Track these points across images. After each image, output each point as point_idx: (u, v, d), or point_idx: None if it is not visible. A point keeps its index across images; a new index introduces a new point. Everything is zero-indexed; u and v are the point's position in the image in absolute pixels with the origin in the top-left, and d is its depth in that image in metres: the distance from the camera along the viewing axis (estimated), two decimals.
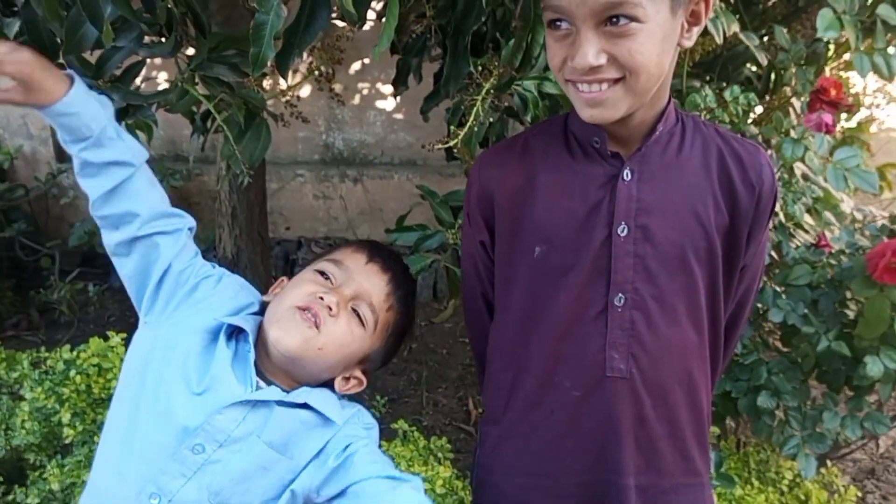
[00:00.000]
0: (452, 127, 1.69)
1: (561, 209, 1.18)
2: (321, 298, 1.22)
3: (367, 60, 4.20)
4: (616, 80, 1.05)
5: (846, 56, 2.88)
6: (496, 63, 1.71)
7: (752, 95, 1.87)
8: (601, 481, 1.23)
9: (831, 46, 2.73)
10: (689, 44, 1.11)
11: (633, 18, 1.00)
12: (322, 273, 1.29)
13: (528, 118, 1.87)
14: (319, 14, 1.29)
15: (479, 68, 1.67)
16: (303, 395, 1.22)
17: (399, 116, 4.37)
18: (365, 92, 4.34)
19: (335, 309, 1.23)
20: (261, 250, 3.33)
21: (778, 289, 1.88)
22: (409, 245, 2.41)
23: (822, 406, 1.89)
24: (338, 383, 1.29)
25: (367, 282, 1.29)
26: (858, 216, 2.34)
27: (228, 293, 1.35)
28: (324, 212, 4.48)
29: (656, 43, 1.04)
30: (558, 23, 1.05)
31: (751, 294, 1.33)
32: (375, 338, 1.30)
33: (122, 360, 1.78)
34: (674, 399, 1.22)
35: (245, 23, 1.37)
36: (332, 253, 1.36)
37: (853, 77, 2.83)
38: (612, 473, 1.22)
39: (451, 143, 1.60)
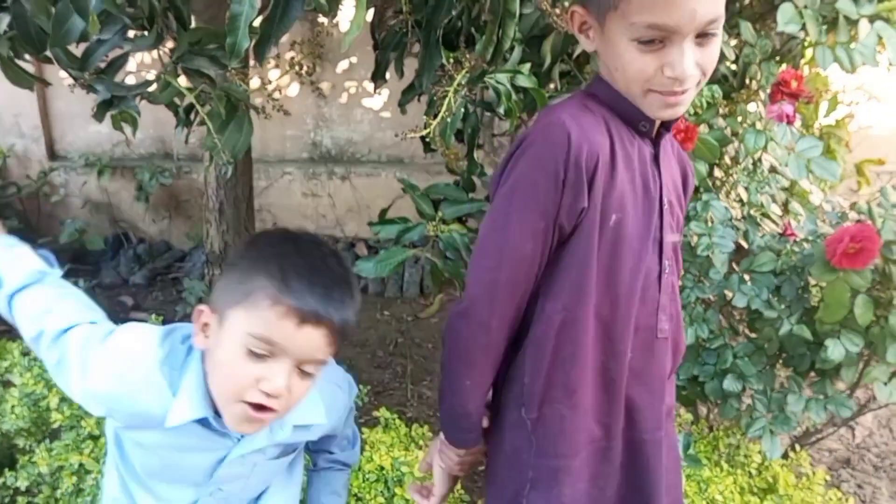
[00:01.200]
0: (427, 118, 1.75)
1: (630, 181, 1.25)
2: (265, 394, 1.10)
3: (354, 59, 4.26)
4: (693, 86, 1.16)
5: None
6: (468, 56, 1.77)
7: (715, 87, 1.93)
8: (639, 440, 1.34)
9: (807, 42, 2.81)
10: None
11: (716, 31, 1.12)
12: (260, 353, 1.10)
13: (501, 110, 1.93)
14: (293, 5, 1.35)
15: (452, 61, 1.74)
16: (284, 429, 1.26)
17: (386, 115, 4.43)
18: (352, 91, 4.40)
19: (282, 392, 1.11)
20: None
21: (744, 277, 1.94)
22: (391, 238, 2.48)
23: (788, 389, 1.96)
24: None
25: (308, 345, 1.11)
26: (827, 207, 2.41)
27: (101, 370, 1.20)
28: (312, 209, 4.54)
29: (719, 48, 1.16)
30: (652, 38, 1.11)
31: None
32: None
33: None
34: (677, 350, 1.38)
35: (220, 16, 1.43)
36: (251, 307, 1.10)
37: (835, 74, 2.90)
38: (651, 431, 1.34)
39: (424, 133, 1.67)
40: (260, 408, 1.10)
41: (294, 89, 4.12)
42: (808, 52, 2.97)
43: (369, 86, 4.38)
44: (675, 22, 1.08)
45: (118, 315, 3.65)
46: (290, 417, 1.22)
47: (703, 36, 1.11)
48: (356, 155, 4.56)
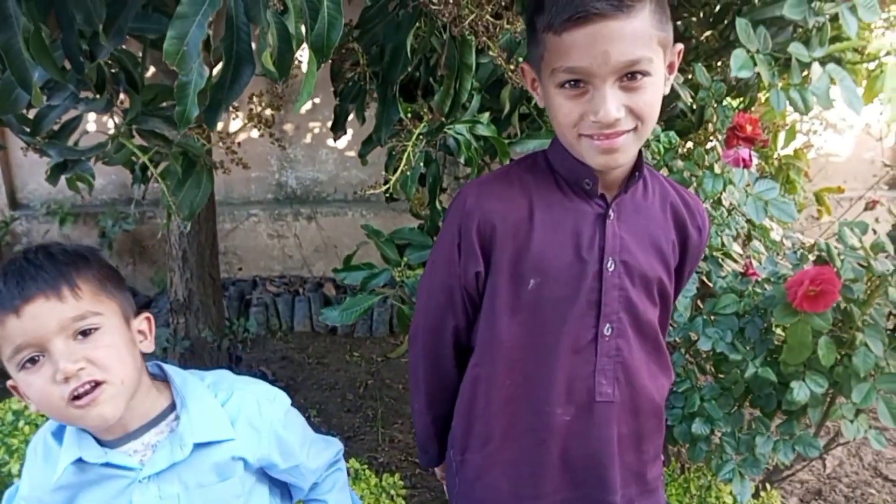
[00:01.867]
0: (387, 173, 1.75)
1: (555, 244, 1.25)
2: (66, 380, 1.09)
3: (317, 100, 4.26)
4: (628, 131, 1.15)
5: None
6: (427, 109, 1.77)
7: (672, 134, 1.95)
8: (587, 498, 1.36)
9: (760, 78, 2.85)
10: (667, 90, 1.22)
11: (645, 73, 1.10)
12: (29, 361, 1.10)
13: (462, 159, 1.93)
14: (244, 71, 1.33)
15: (410, 115, 1.73)
16: (184, 448, 1.21)
17: (351, 154, 4.43)
18: (316, 131, 4.40)
19: (76, 365, 1.10)
20: (213, 292, 3.35)
21: (709, 319, 1.94)
22: (356, 284, 2.47)
23: (756, 431, 1.96)
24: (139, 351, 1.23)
25: (39, 321, 1.09)
26: (787, 244, 2.43)
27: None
28: (278, 250, 4.51)
29: (659, 92, 1.16)
30: (574, 82, 1.12)
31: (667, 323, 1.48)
32: (102, 300, 1.17)
33: None
34: (645, 416, 1.36)
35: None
36: None
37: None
38: (600, 491, 1.35)
39: (383, 189, 1.66)
40: (78, 397, 1.10)
41: (256, 132, 4.11)
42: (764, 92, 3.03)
43: None
44: (589, 65, 1.09)
45: None
46: (187, 434, 1.21)
47: (629, 79, 1.10)
48: (322, 195, 4.55)
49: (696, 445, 1.97)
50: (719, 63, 2.84)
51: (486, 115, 1.99)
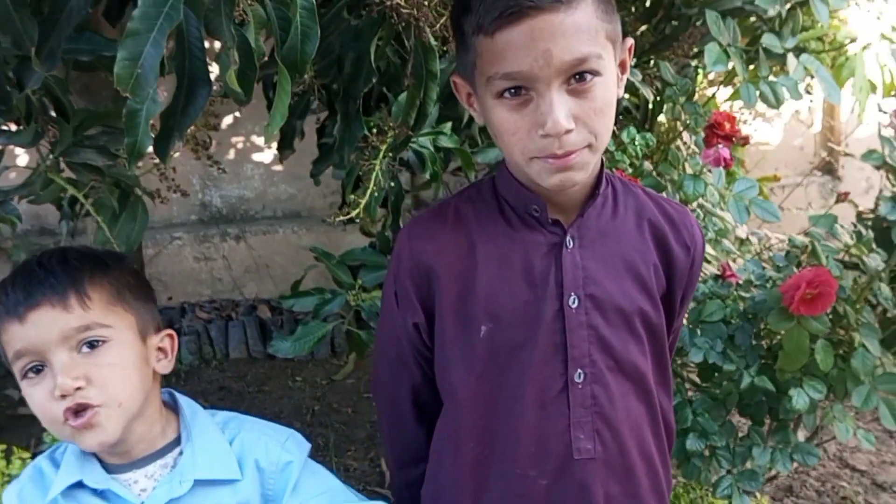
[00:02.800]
0: (352, 195, 1.59)
1: (504, 283, 1.09)
2: (62, 397, 1.03)
3: (238, 114, 4.05)
4: (583, 148, 0.99)
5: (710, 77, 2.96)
6: (391, 124, 1.62)
7: (649, 136, 1.85)
8: None
9: (700, 72, 2.79)
10: (621, 92, 1.06)
11: (594, 73, 0.95)
12: (32, 370, 1.06)
13: (427, 175, 1.79)
14: (199, 93, 1.16)
15: (374, 130, 1.58)
16: (183, 483, 1.12)
17: (278, 168, 4.23)
18: (240, 146, 4.18)
19: (75, 383, 1.03)
20: None
21: (696, 329, 1.85)
22: (306, 311, 2.30)
23: (750, 441, 1.87)
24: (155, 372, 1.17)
25: (42, 329, 1.04)
26: (754, 240, 2.37)
27: None
28: (206, 273, 4.27)
29: (613, 95, 1.00)
30: (514, 90, 0.96)
31: (672, 351, 1.31)
32: (116, 311, 1.10)
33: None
34: (637, 471, 1.15)
35: (107, 88, 1.23)
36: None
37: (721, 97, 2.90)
38: None
39: (354, 214, 1.50)
40: (76, 413, 1.04)
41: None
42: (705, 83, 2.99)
43: (258, 140, 4.17)
44: (529, 67, 0.93)
45: (5, 411, 3.31)
46: (188, 469, 1.13)
47: (577, 80, 0.94)
48: (249, 212, 4.33)
49: (689, 462, 1.87)
50: (652, 59, 2.78)
51: (448, 125, 1.86)
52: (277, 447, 1.20)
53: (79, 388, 1.03)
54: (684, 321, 1.63)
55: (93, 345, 1.06)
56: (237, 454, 1.18)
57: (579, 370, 1.09)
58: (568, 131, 0.95)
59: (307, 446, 1.25)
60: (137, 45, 0.93)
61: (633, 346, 1.12)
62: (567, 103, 0.95)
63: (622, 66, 1.05)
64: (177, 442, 1.18)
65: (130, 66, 0.93)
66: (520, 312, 1.08)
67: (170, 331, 1.19)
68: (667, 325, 1.18)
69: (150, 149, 1.16)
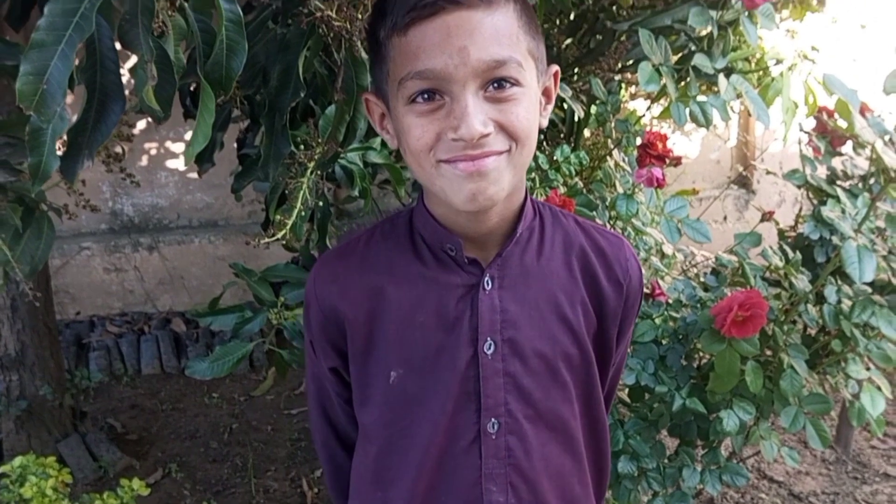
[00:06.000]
0: (277, 214, 1.51)
1: (416, 327, 1.02)
2: None
3: (150, 119, 3.88)
4: (500, 153, 0.91)
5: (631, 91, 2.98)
6: (317, 138, 1.55)
7: (583, 154, 1.82)
8: None
9: (622, 86, 2.80)
10: (545, 123, 1.00)
11: (515, 83, 0.88)
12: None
13: (356, 192, 1.72)
14: (112, 109, 1.07)
15: (302, 147, 1.50)
16: None
17: (193, 176, 4.08)
18: (153, 152, 4.02)
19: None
20: (49, 342, 2.96)
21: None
22: (226, 329, 2.20)
23: (680, 462, 1.86)
24: None
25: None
26: (680, 257, 2.37)
27: None
28: (117, 285, 4.08)
29: (534, 111, 0.93)
30: (427, 94, 0.89)
31: (616, 384, 1.26)
32: None
33: None
34: None
35: (10, 93, 1.13)
36: None
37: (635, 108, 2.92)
38: None
39: (280, 236, 1.42)
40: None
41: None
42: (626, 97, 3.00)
43: (173, 146, 4.01)
44: (444, 65, 0.86)
45: None
46: None
47: (495, 88, 0.88)
48: (163, 222, 4.16)
49: (620, 484, 1.85)
50: (576, 73, 2.77)
51: (378, 139, 1.80)
52: None
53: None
54: (629, 350, 1.60)
55: None
56: None
57: (493, 420, 1.02)
58: (483, 136, 0.87)
59: None
60: (43, 58, 0.84)
61: (556, 392, 1.06)
62: (484, 108, 0.88)
63: (546, 94, 0.99)
64: None
65: (35, 82, 0.84)
66: (431, 359, 1.02)
67: None
68: (605, 364, 1.13)
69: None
